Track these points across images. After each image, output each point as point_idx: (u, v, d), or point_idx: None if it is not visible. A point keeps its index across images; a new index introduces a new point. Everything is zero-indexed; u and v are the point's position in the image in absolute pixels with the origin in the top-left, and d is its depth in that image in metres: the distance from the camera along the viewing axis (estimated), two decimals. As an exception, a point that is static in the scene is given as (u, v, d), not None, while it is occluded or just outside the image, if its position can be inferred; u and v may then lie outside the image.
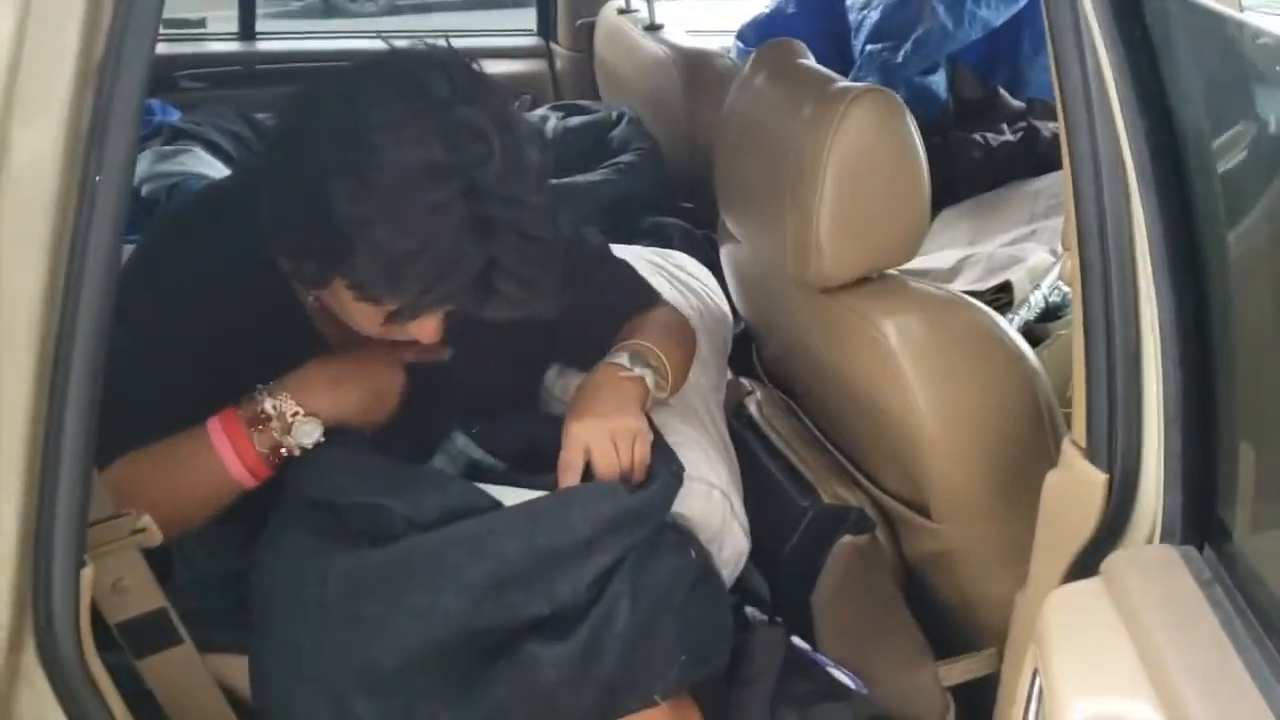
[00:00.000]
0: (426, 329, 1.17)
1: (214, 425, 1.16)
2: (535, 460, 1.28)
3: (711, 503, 1.37)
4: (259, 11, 2.84)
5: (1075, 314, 1.12)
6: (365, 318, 1.15)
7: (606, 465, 1.22)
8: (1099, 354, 1.07)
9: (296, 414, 1.17)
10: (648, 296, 1.50)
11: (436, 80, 1.06)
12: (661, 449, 1.30)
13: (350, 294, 1.11)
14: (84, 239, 0.87)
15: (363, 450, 1.23)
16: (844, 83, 1.34)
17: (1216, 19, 0.66)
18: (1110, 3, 0.78)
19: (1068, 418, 1.35)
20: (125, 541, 0.97)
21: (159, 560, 1.07)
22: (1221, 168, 0.87)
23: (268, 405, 1.16)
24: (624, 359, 1.31)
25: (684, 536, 1.29)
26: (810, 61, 1.48)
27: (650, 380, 1.31)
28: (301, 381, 1.19)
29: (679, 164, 2.45)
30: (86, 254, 0.87)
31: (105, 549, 0.98)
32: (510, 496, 1.21)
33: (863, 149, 1.29)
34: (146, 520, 0.97)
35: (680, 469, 1.29)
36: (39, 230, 0.85)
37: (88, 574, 0.91)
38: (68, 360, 0.87)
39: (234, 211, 1.21)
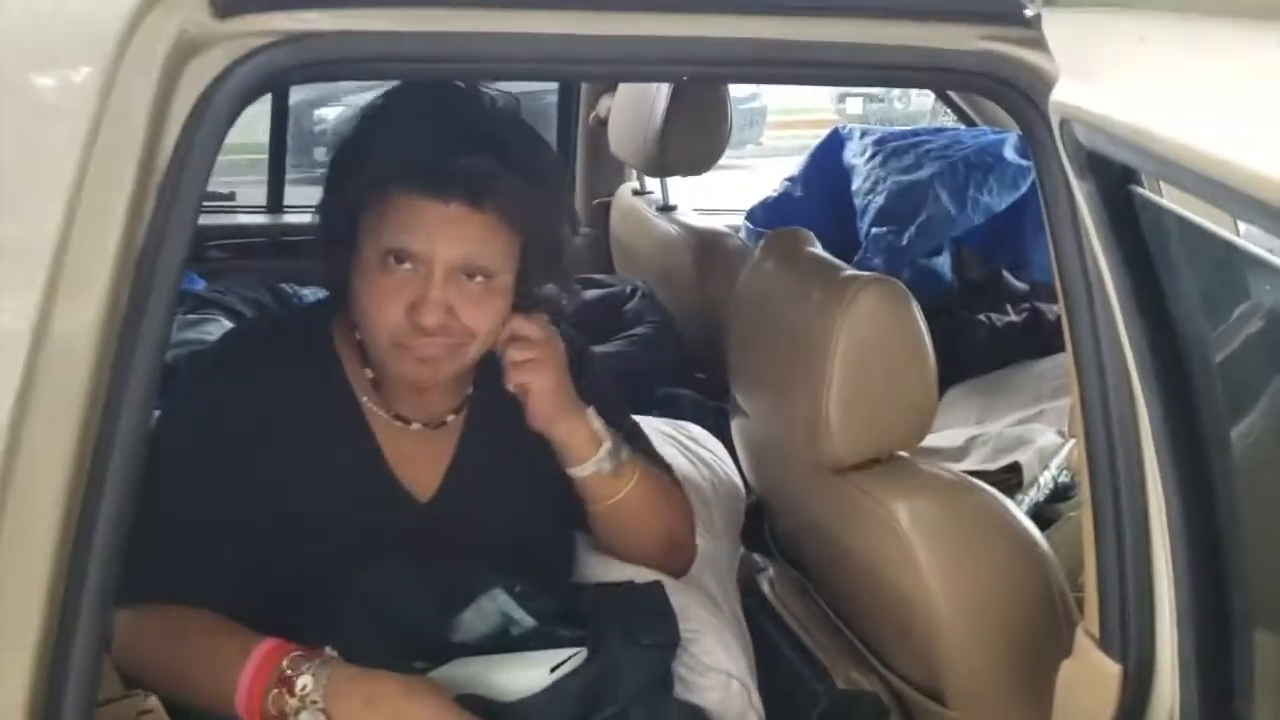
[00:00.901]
0: (432, 290, 1.18)
1: (249, 664, 1.11)
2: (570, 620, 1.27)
3: (729, 693, 1.35)
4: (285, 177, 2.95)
5: (1084, 504, 1.14)
6: (388, 297, 1.19)
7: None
8: (1109, 546, 1.07)
9: (316, 706, 1.10)
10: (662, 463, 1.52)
11: None
12: (653, 612, 1.29)
13: (373, 257, 1.18)
14: (114, 419, 0.89)
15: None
16: (851, 271, 1.39)
17: (1209, 237, 0.70)
18: (1106, 213, 0.82)
19: (1079, 601, 1.35)
20: (132, 723, 0.96)
21: None
22: (1221, 367, 0.89)
23: (297, 688, 1.10)
24: (606, 447, 1.31)
25: (695, 713, 1.27)
26: (818, 250, 1.54)
27: (606, 459, 1.31)
28: (339, 686, 1.11)
29: (692, 337, 2.50)
30: (115, 436, 0.89)
31: (112, 731, 0.97)
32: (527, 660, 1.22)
33: (870, 334, 1.33)
34: (153, 703, 0.96)
35: (676, 639, 1.30)
36: (71, 406, 0.88)
37: None
38: (88, 543, 0.88)
39: (284, 328, 1.35)
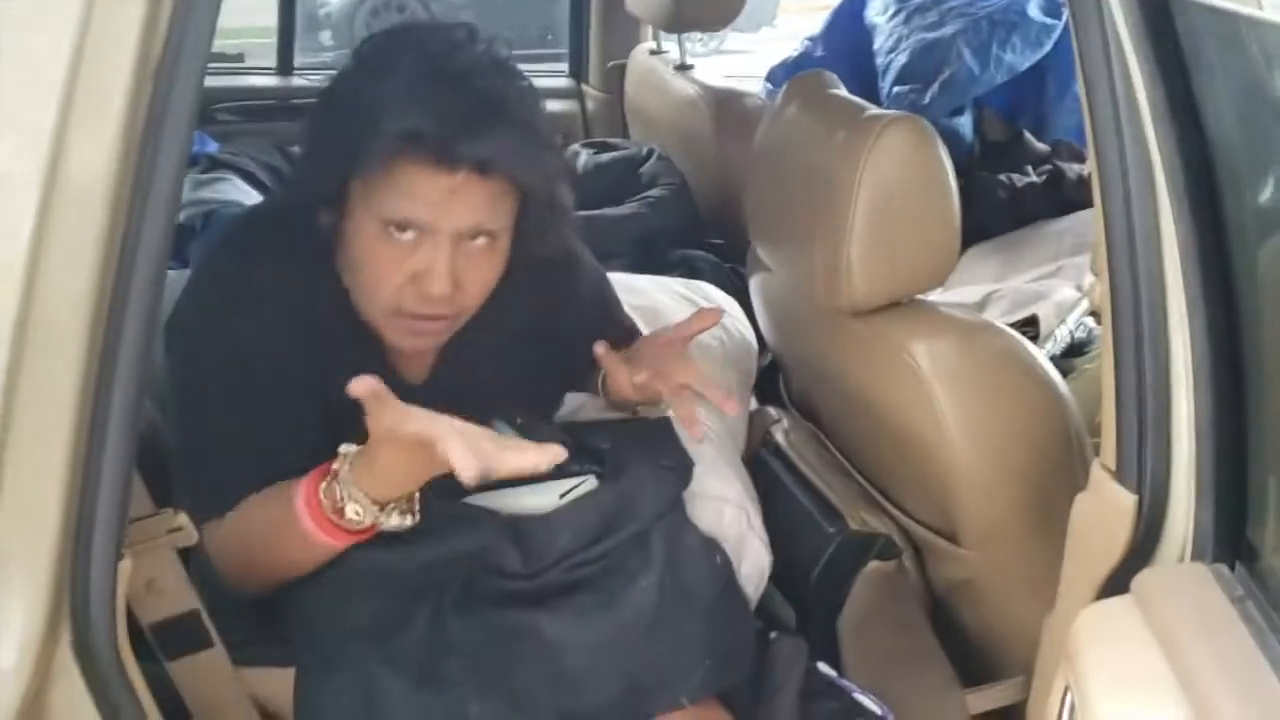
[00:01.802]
0: (440, 260, 1.16)
1: (301, 511, 1.11)
2: (576, 452, 1.28)
3: (723, 518, 1.38)
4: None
5: (1105, 337, 1.13)
6: (390, 266, 1.17)
7: None
8: (1129, 375, 1.07)
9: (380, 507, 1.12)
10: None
11: None
12: (664, 443, 1.32)
13: (372, 224, 1.15)
14: (134, 241, 0.88)
15: None
16: (875, 111, 1.36)
17: (1248, 23, 0.68)
18: (1142, 18, 0.79)
19: (1095, 448, 1.36)
20: (161, 540, 0.98)
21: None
22: (1255, 183, 0.88)
23: (349, 512, 1.11)
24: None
25: (709, 542, 1.30)
26: (841, 91, 1.51)
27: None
28: (366, 475, 1.11)
29: (707, 200, 2.48)
30: (137, 256, 0.88)
31: (142, 546, 0.99)
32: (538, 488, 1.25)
33: (894, 175, 1.31)
34: (183, 519, 0.98)
35: (690, 462, 1.33)
36: (91, 232, 0.87)
37: (125, 566, 0.92)
38: (114, 357, 0.88)
39: (282, 225, 1.25)
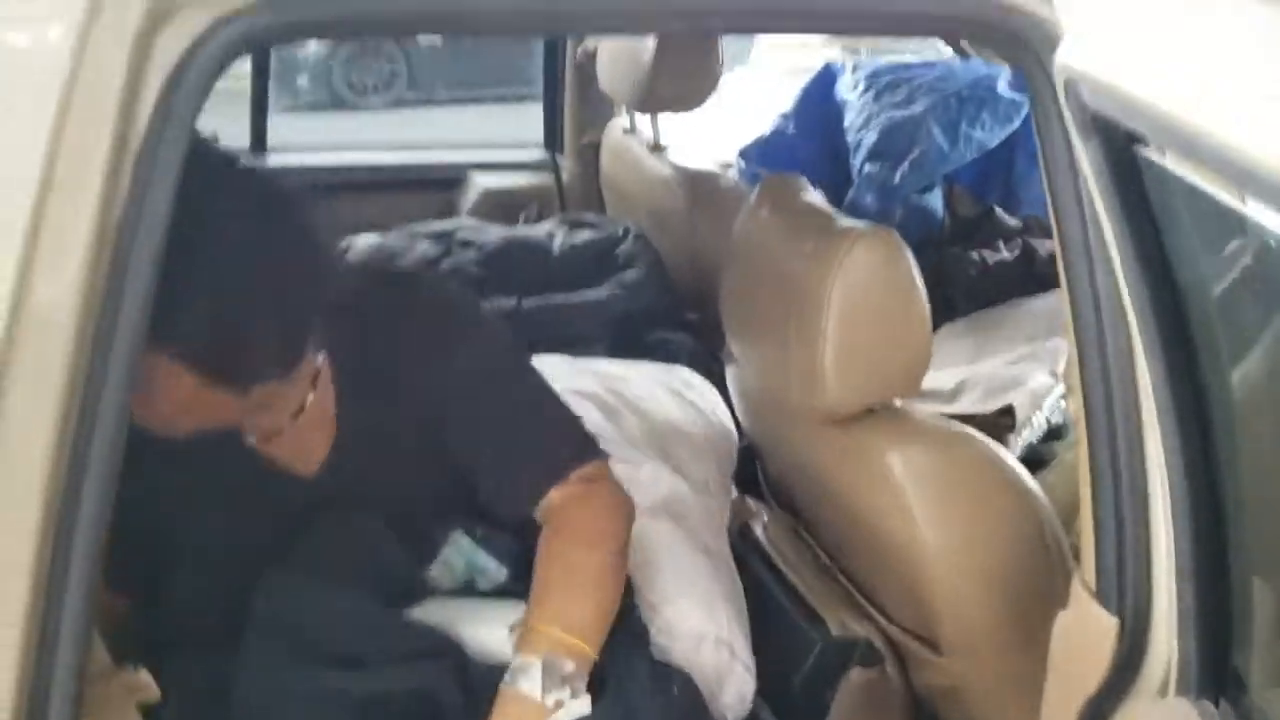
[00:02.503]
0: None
1: None
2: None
3: (701, 655, 1.36)
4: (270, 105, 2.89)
5: (1080, 455, 1.13)
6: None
7: None
8: (1106, 498, 1.07)
9: None
10: (583, 447, 1.34)
11: None
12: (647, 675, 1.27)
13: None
14: (97, 392, 0.87)
15: (336, 587, 1.24)
16: (847, 221, 1.37)
17: (1215, 202, 0.68)
18: (1109, 169, 0.80)
19: (1074, 547, 1.36)
20: (122, 700, 0.95)
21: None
22: (1222, 326, 0.88)
23: None
24: (534, 680, 1.17)
25: (664, 672, 1.29)
26: (813, 196, 1.52)
27: (571, 707, 1.18)
28: None
29: (684, 279, 2.48)
30: (99, 409, 0.87)
31: (101, 707, 0.96)
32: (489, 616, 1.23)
33: (865, 286, 1.32)
34: (144, 677, 0.96)
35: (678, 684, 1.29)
36: (53, 378, 0.86)
37: None
38: (74, 515, 0.87)
39: None
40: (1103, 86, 0.71)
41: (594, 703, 1.18)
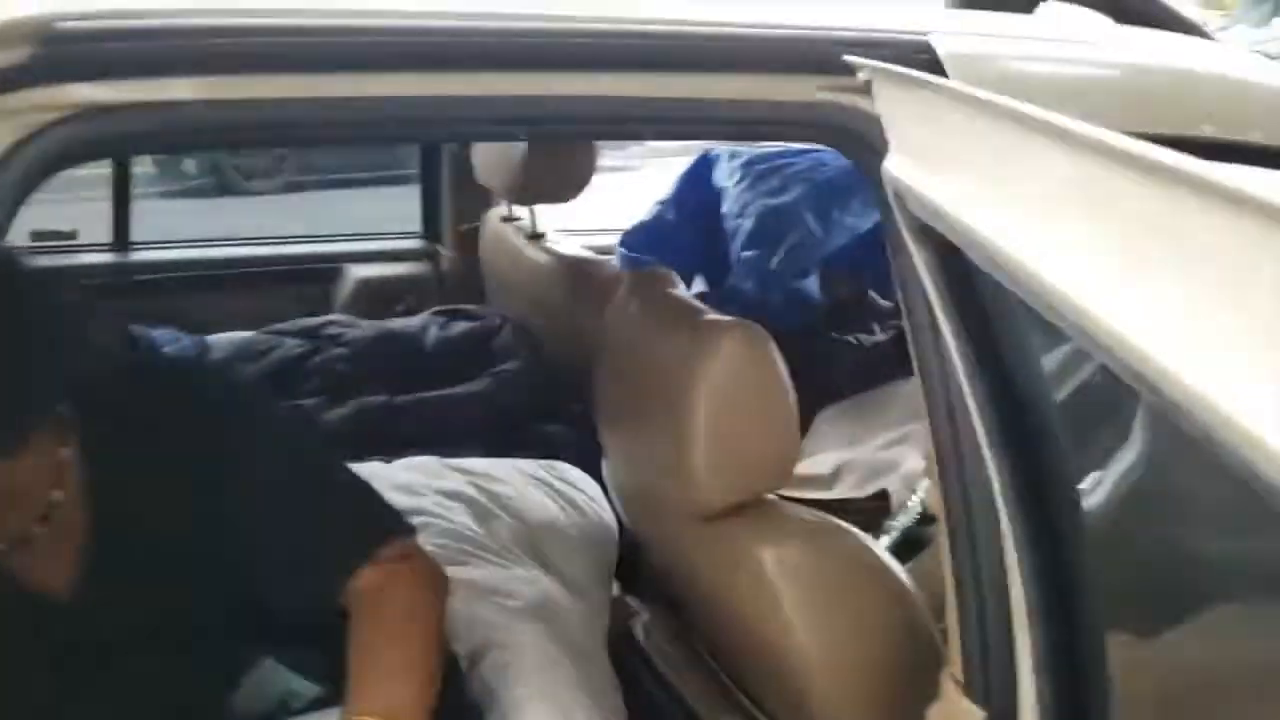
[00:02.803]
0: None
1: None
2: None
3: None
4: (149, 191, 2.80)
5: (943, 550, 1.14)
6: None
7: None
8: (968, 593, 1.08)
9: None
10: (384, 528, 1.27)
11: None
12: None
13: None
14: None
15: None
16: (712, 316, 1.37)
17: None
18: (940, 276, 0.81)
19: (945, 634, 1.36)
20: None
21: None
22: (1063, 417, 0.90)
23: None
24: None
25: None
26: (680, 290, 1.52)
27: None
28: None
29: (566, 368, 2.47)
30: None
31: None
32: None
33: (731, 380, 1.32)
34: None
35: None
36: None
37: None
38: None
39: None
40: (924, 201, 0.72)
41: None
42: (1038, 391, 0.87)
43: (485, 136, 1.90)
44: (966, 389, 0.90)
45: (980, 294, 0.81)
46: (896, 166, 0.78)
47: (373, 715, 1.13)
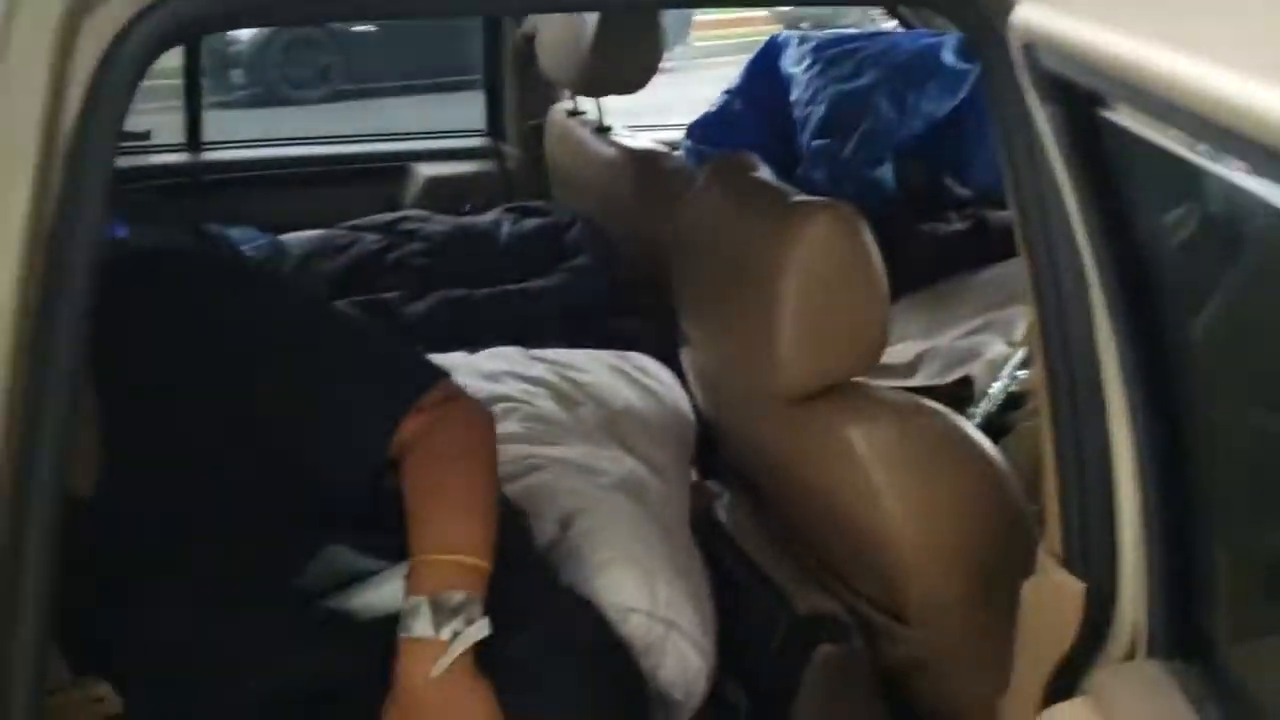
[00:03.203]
0: None
1: None
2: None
3: (628, 628, 1.36)
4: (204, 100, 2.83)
5: (1043, 422, 1.13)
6: None
7: None
8: (1070, 464, 1.07)
9: None
10: (420, 376, 1.24)
11: None
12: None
13: None
14: (38, 400, 0.84)
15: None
16: (800, 197, 1.35)
17: (1177, 161, 0.67)
18: (1069, 137, 0.79)
19: (1036, 516, 1.36)
20: (85, 713, 0.93)
21: None
22: (1184, 287, 0.88)
23: None
24: (424, 620, 1.12)
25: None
26: (764, 174, 1.50)
27: (469, 634, 1.13)
28: None
29: (635, 262, 2.46)
30: (41, 419, 0.84)
31: (63, 717, 0.94)
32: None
33: (821, 263, 1.30)
34: (105, 689, 0.93)
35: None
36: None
37: None
38: (23, 526, 0.84)
39: None
40: (1062, 47, 0.70)
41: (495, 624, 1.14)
42: (1163, 259, 0.85)
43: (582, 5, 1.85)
44: (1087, 256, 0.88)
45: (1111, 153, 0.78)
46: (1029, 15, 0.75)
47: (438, 553, 1.14)
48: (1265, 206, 0.64)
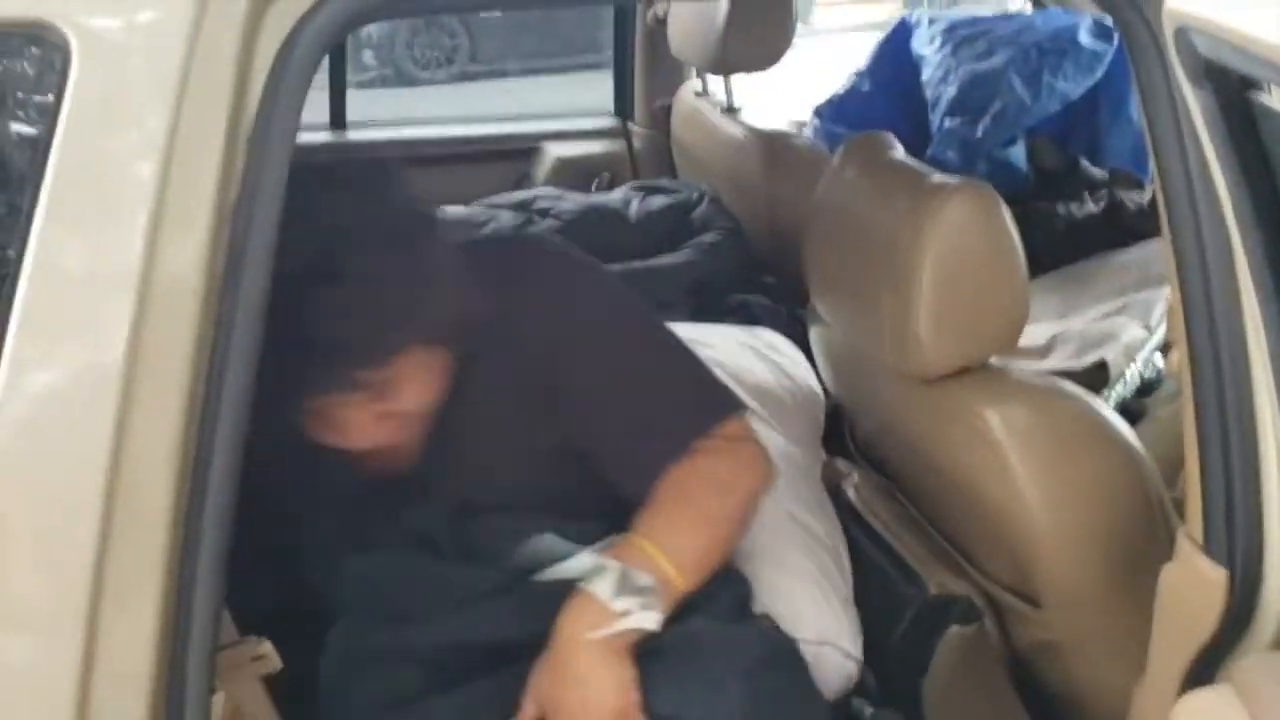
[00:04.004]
0: (345, 424, 1.13)
1: None
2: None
3: (819, 661, 1.36)
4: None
5: (1185, 408, 1.12)
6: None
7: None
8: (1214, 449, 1.06)
9: None
10: (719, 405, 1.26)
11: None
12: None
13: None
14: (221, 367, 0.90)
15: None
16: (939, 178, 1.35)
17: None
18: (1223, 122, 0.79)
19: (1174, 502, 1.34)
20: (247, 669, 0.99)
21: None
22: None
23: None
24: (606, 583, 1.13)
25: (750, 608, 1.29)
26: (900, 154, 1.50)
27: (640, 618, 1.13)
28: None
29: (760, 241, 2.48)
30: (224, 383, 0.90)
31: (229, 676, 1.00)
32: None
33: (960, 243, 1.30)
34: (266, 647, 0.99)
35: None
36: (179, 352, 0.88)
37: (219, 700, 0.93)
38: (203, 491, 0.89)
39: None
40: (1218, 31, 0.70)
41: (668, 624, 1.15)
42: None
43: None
44: (1236, 239, 0.88)
45: (1266, 139, 0.78)
46: (1182, 1, 0.75)
47: (647, 542, 1.14)
48: None
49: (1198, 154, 0.91)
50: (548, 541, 1.24)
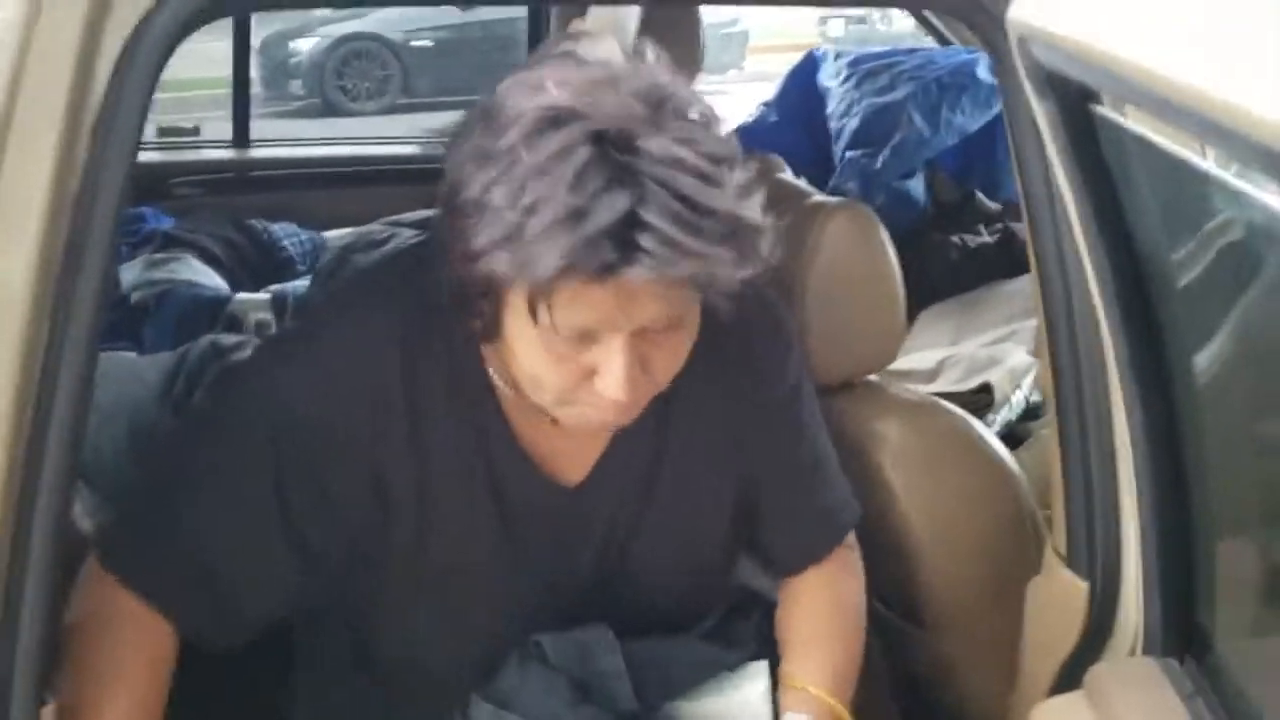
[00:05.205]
0: (615, 363, 0.94)
1: None
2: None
3: None
4: (258, 111, 2.89)
5: (1051, 423, 1.14)
6: (561, 365, 0.96)
7: None
8: (1075, 464, 1.08)
9: None
10: (855, 502, 1.25)
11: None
12: None
13: (515, 324, 0.96)
14: (56, 365, 0.85)
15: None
16: (820, 197, 1.37)
17: (1172, 158, 0.68)
18: (1065, 133, 0.80)
19: (1049, 519, 1.36)
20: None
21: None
22: (1182, 287, 0.89)
23: None
24: None
25: None
26: (787, 175, 1.52)
27: None
28: None
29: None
30: (57, 383, 0.85)
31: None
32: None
33: (839, 261, 1.32)
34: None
35: None
36: (10, 353, 0.84)
37: (48, 713, 0.89)
38: (33, 492, 0.84)
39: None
40: (1055, 40, 0.71)
41: None
42: (1158, 257, 0.85)
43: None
44: (1084, 253, 0.89)
45: (1105, 150, 0.79)
46: (1023, 10, 0.76)
47: (817, 689, 1.15)
48: (1258, 203, 0.65)
49: (1049, 167, 0.93)
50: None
